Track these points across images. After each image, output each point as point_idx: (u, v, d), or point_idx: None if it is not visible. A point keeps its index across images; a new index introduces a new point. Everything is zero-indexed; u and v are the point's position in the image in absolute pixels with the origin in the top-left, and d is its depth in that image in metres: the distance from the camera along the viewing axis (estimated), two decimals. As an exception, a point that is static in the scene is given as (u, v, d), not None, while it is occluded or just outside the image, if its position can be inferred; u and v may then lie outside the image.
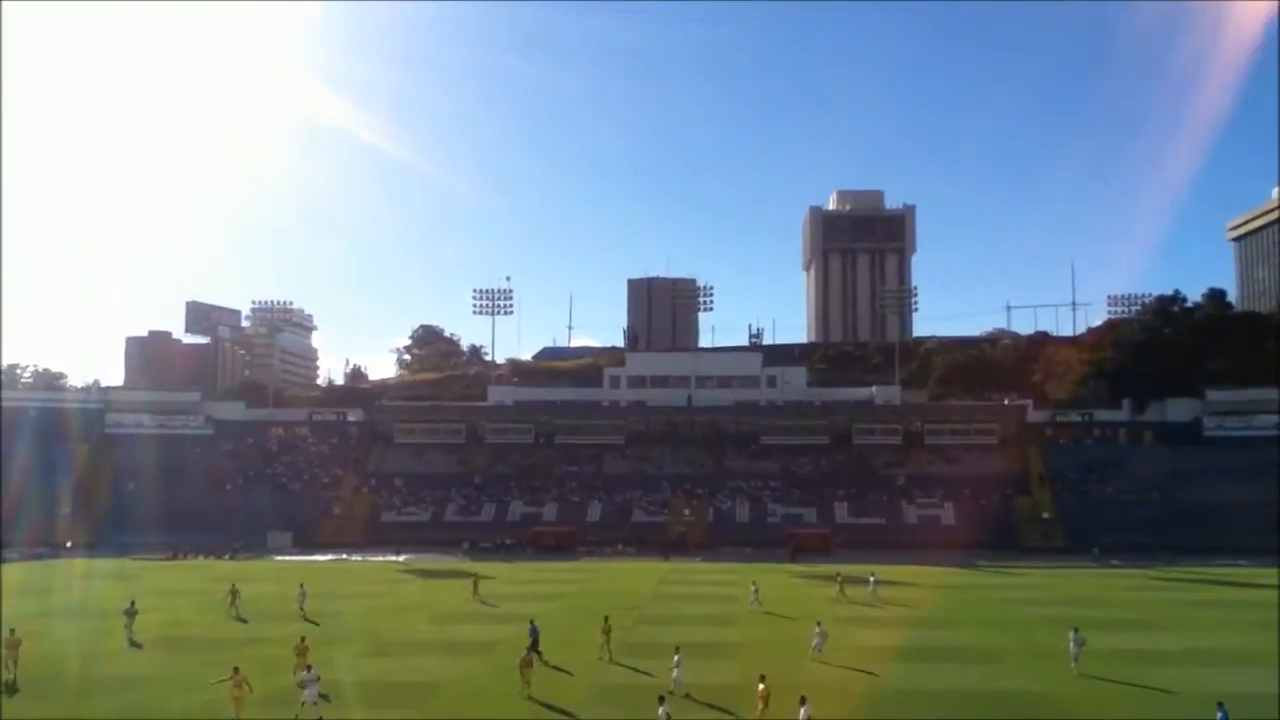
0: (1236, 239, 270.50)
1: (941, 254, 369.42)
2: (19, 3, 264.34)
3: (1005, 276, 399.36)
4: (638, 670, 38.24)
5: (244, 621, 50.11)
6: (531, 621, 41.58)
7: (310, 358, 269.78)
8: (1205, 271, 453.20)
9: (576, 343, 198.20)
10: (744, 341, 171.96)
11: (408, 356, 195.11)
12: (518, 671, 34.42)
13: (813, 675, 37.00)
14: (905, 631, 47.45)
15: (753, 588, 56.33)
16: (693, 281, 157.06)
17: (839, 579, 61.05)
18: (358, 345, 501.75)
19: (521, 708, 32.62)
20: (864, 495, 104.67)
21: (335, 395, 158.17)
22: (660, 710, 27.29)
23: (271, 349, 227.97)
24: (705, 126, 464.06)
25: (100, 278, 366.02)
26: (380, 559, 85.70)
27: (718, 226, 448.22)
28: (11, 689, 34.28)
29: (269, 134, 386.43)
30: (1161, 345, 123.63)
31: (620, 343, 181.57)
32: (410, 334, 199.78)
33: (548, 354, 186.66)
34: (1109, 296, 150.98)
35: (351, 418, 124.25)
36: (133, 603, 45.80)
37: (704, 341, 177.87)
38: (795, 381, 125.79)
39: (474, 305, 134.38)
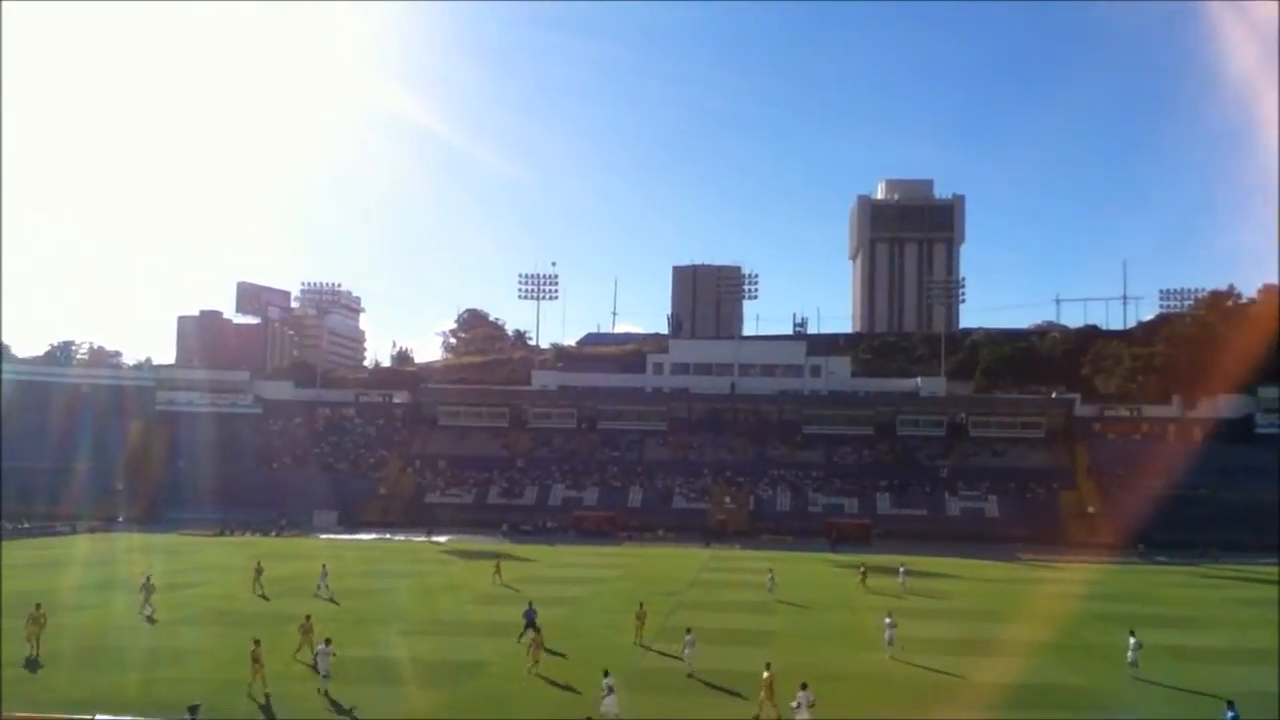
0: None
1: (990, 245, 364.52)
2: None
3: (1055, 269, 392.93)
4: (672, 655, 38.40)
5: (266, 599, 50.65)
6: (529, 604, 41.34)
7: (358, 339, 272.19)
8: (1260, 266, 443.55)
9: (620, 329, 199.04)
10: (788, 330, 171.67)
11: (453, 340, 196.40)
12: (531, 654, 35.12)
13: (849, 664, 37.15)
14: (947, 624, 47.29)
15: (769, 575, 56.51)
16: (737, 269, 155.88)
17: (863, 569, 61.11)
18: (404, 328, 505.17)
19: (554, 689, 32.98)
20: (907, 486, 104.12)
21: (382, 377, 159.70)
22: (604, 682, 28.14)
23: (320, 330, 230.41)
24: (753, 113, 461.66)
25: (154, 258, 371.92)
26: (421, 539, 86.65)
27: (764, 214, 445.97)
28: (34, 664, 34.58)
29: (320, 118, 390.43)
30: (1214, 340, 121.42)
31: (664, 329, 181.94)
32: (456, 318, 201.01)
33: (591, 339, 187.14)
34: (1161, 290, 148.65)
35: (397, 399, 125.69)
36: (149, 578, 46.17)
37: (748, 330, 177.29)
38: (839, 371, 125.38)
39: (519, 290, 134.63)
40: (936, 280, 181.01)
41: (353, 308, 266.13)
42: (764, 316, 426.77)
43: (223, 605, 48.81)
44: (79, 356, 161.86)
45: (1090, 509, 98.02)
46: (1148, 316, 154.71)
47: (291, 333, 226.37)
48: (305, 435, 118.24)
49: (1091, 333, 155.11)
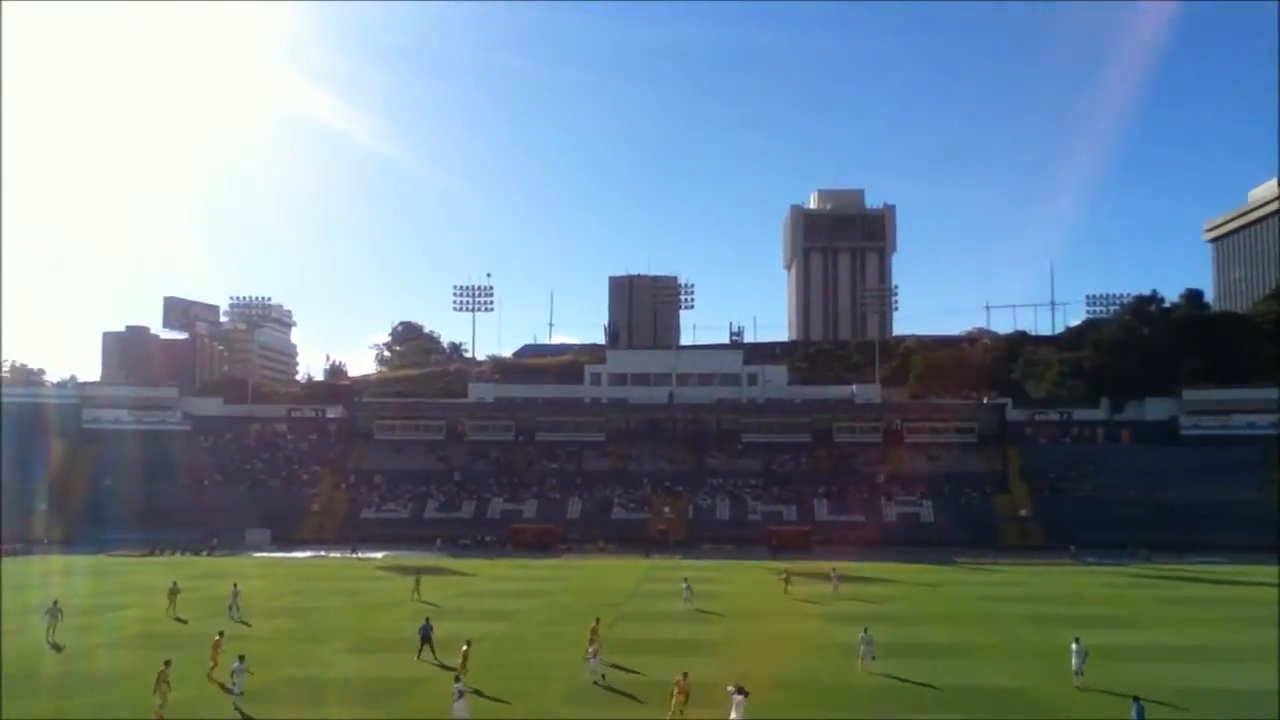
0: (1213, 240, 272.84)
1: (922, 253, 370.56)
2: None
3: (985, 276, 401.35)
4: (618, 667, 38.21)
5: (183, 621, 49.01)
6: (426, 620, 41.19)
7: (289, 354, 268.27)
8: (1183, 272, 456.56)
9: (557, 340, 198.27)
10: (725, 340, 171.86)
11: (387, 353, 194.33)
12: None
13: (789, 671, 37.13)
14: (883, 628, 47.47)
15: (684, 585, 56.37)
16: (674, 279, 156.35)
17: (785, 574, 61.48)
18: (337, 342, 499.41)
19: (496, 705, 32.55)
20: (844, 493, 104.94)
21: (314, 392, 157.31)
22: (455, 687, 29.00)
23: (250, 345, 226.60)
24: (687, 125, 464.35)
25: (78, 273, 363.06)
26: (356, 556, 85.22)
27: (699, 225, 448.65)
28: None
29: (249, 128, 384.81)
30: (1139, 345, 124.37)
31: (601, 340, 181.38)
32: (390, 331, 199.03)
33: (528, 351, 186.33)
34: (1087, 296, 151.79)
35: (331, 414, 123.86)
36: (55, 602, 44.54)
37: (685, 339, 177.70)
38: (776, 380, 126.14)
39: (454, 302, 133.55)
40: (869, 289, 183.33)
41: (284, 321, 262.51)
42: (701, 326, 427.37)
43: (149, 628, 47.44)
44: (1, 375, 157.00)
45: (1022, 512, 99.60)
46: (1075, 322, 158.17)
47: (220, 347, 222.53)
48: (236, 452, 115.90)
49: (1021, 338, 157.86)
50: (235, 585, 52.18)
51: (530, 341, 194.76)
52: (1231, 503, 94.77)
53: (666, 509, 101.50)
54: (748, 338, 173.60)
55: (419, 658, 39.11)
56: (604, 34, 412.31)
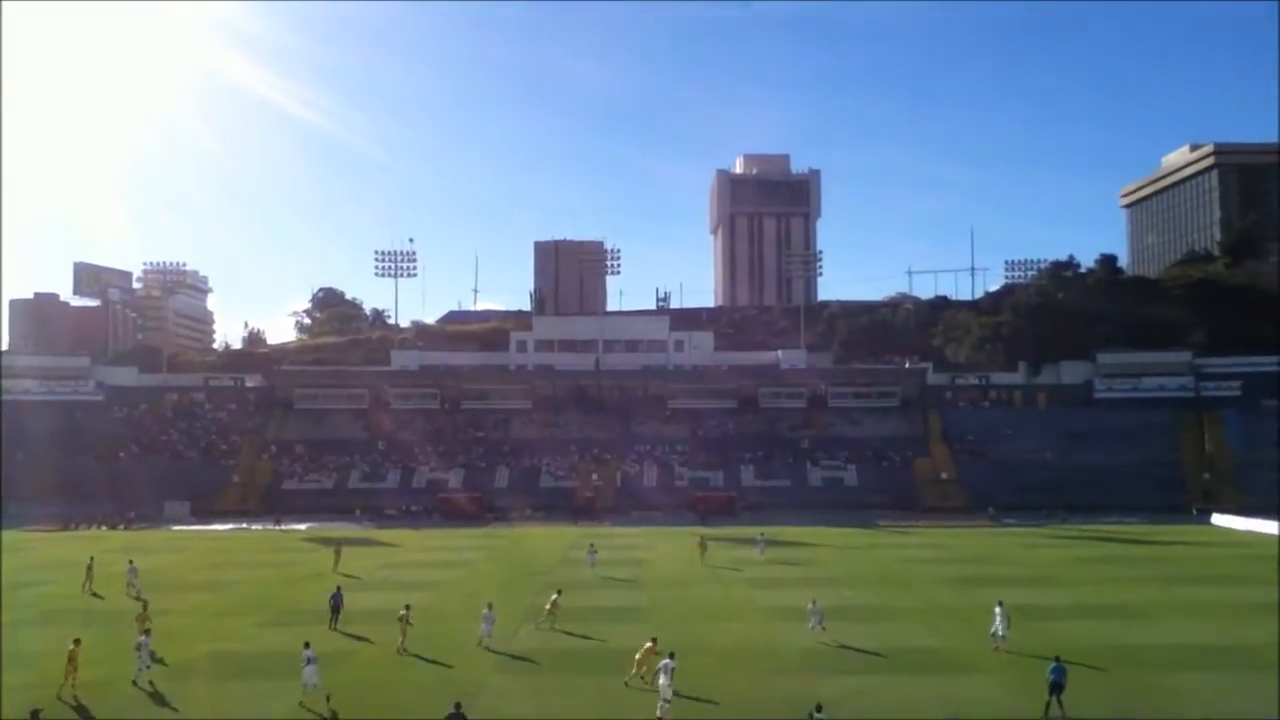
0: (1128, 206, 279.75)
1: (846, 219, 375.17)
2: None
3: (907, 242, 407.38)
4: (546, 635, 38.26)
5: (99, 597, 48.12)
6: (338, 589, 41.80)
7: (206, 321, 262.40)
8: (1098, 238, 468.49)
9: (482, 306, 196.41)
10: (651, 305, 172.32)
11: (308, 320, 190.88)
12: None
13: (715, 637, 37.44)
14: (809, 591, 48.09)
15: (589, 549, 57.19)
16: (600, 244, 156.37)
17: (701, 540, 62.10)
18: (255, 309, 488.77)
19: (423, 675, 32.31)
20: (770, 458, 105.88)
21: (232, 360, 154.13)
22: (305, 653, 29.57)
23: (165, 312, 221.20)
24: (612, 89, 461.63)
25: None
26: (280, 528, 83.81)
27: (626, 190, 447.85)
28: None
29: (164, 90, 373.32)
30: (1055, 309, 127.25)
31: (527, 306, 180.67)
32: (310, 297, 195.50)
33: (453, 318, 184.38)
34: (1006, 262, 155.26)
35: (250, 383, 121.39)
36: None
37: (612, 305, 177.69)
38: (702, 345, 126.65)
39: (376, 268, 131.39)
40: (795, 254, 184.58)
41: (199, 288, 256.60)
42: (627, 292, 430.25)
43: (64, 605, 46.13)
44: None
45: (943, 475, 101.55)
46: (994, 287, 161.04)
47: (134, 315, 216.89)
48: (152, 422, 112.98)
49: (942, 303, 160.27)
50: (130, 562, 50.82)
51: (455, 308, 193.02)
52: (1143, 464, 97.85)
53: (594, 476, 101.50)
54: (674, 303, 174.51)
55: (331, 628, 39.17)
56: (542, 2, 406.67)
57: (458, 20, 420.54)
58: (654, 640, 31.54)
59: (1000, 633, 35.31)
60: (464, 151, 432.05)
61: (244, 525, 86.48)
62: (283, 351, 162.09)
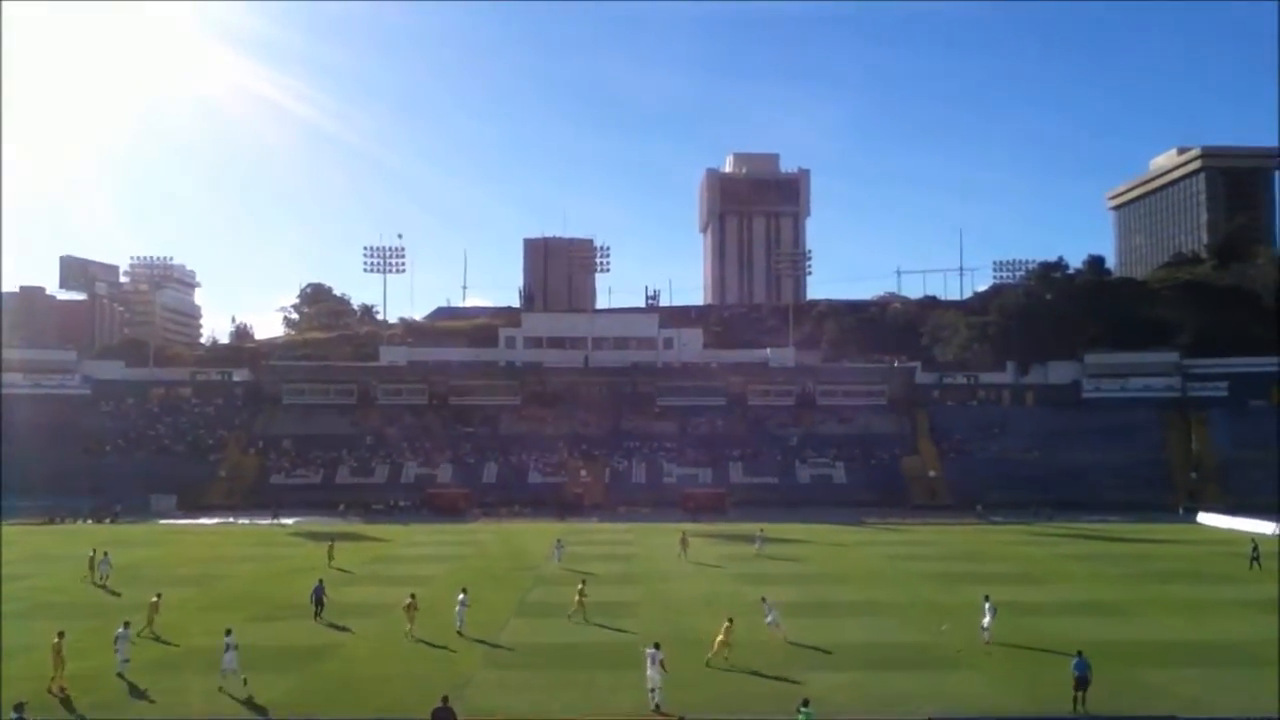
0: (1115, 208, 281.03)
1: (835, 219, 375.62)
2: None
3: (896, 242, 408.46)
4: (535, 629, 38.33)
5: (104, 588, 48.24)
6: (320, 581, 42.41)
7: (193, 315, 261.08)
8: (1086, 239, 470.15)
9: (471, 303, 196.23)
10: (641, 303, 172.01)
11: (295, 315, 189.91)
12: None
13: (707, 631, 37.38)
14: (796, 588, 48.29)
15: (556, 544, 58.05)
16: (590, 242, 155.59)
17: (683, 536, 62.17)
18: (243, 303, 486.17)
19: (413, 668, 32.31)
20: (758, 455, 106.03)
21: (219, 355, 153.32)
22: (226, 640, 29.98)
23: (152, 306, 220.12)
24: (602, 87, 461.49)
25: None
26: (267, 522, 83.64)
27: (615, 188, 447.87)
28: None
29: (152, 84, 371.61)
30: (1043, 310, 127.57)
31: (516, 303, 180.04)
32: (298, 292, 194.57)
33: (441, 314, 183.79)
34: (995, 262, 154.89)
35: (237, 378, 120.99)
36: None
37: (601, 303, 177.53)
38: (692, 343, 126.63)
39: (365, 263, 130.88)
40: (784, 253, 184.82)
41: (187, 282, 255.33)
42: (617, 289, 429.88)
43: (55, 598, 45.96)
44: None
45: (931, 473, 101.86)
46: (983, 287, 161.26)
47: (121, 309, 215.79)
48: (139, 417, 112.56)
49: (930, 303, 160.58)
50: (104, 553, 50.81)
51: (443, 304, 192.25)
52: (1128, 464, 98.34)
53: (583, 472, 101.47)
54: (663, 301, 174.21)
55: (315, 620, 39.75)
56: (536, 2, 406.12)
57: (449, 17, 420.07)
58: (731, 620, 33.30)
59: (987, 625, 35.72)
60: (453, 148, 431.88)
61: (230, 519, 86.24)
62: (270, 346, 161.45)
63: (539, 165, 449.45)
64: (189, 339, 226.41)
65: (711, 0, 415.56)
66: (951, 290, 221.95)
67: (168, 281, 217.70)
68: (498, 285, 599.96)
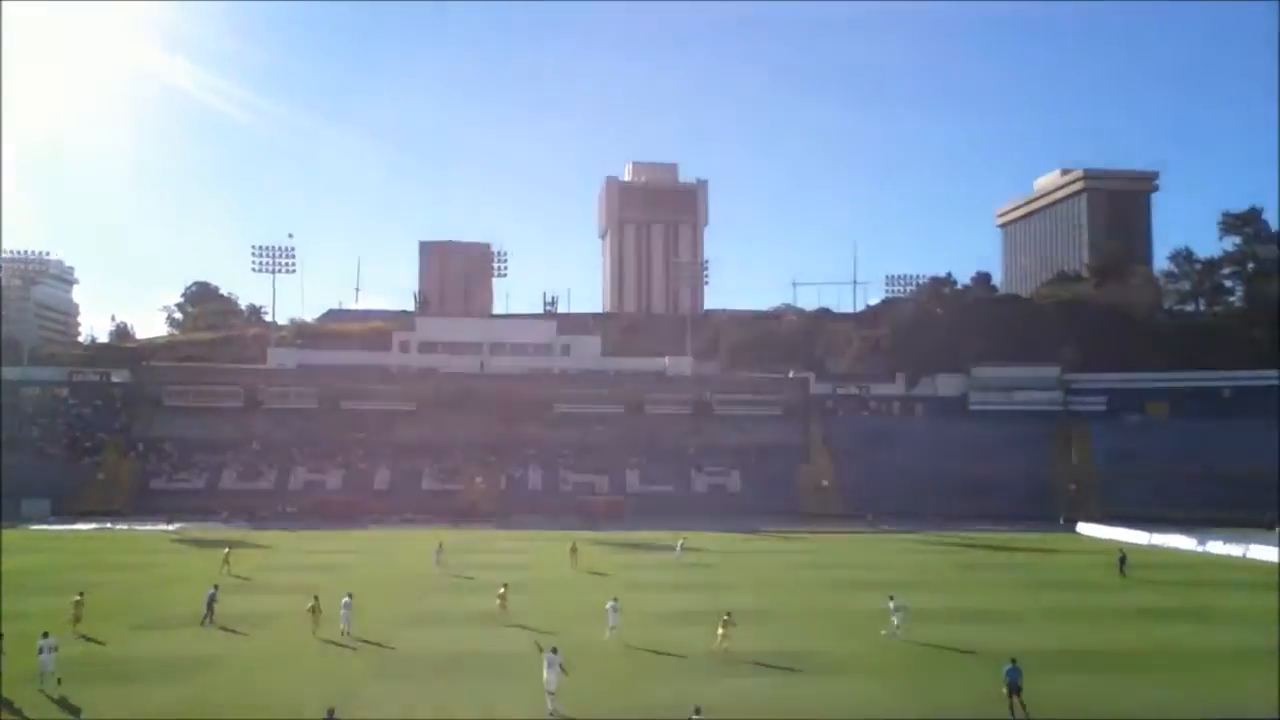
0: (1003, 225, 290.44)
1: (734, 230, 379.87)
2: None
3: (793, 254, 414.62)
4: (426, 639, 37.50)
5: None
6: (214, 586, 42.07)
7: (70, 313, 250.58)
8: (975, 255, 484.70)
9: (364, 305, 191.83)
10: (539, 309, 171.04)
11: (180, 315, 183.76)
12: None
13: (595, 640, 37.03)
14: (692, 596, 48.29)
15: (436, 547, 57.69)
16: (487, 246, 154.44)
17: (573, 545, 62.00)
18: (124, 301, 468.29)
19: (302, 678, 31.23)
20: (655, 464, 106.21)
21: (98, 354, 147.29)
22: (42, 642, 29.23)
23: (26, 303, 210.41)
24: (505, 92, 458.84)
25: None
26: (148, 528, 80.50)
27: (515, 193, 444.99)
28: None
29: (26, 68, 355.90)
30: (933, 324, 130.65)
31: (411, 307, 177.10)
32: (183, 291, 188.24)
33: (334, 316, 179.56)
34: (887, 276, 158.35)
35: (116, 378, 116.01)
36: None
37: (498, 308, 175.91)
38: (589, 350, 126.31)
39: (253, 263, 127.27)
40: (682, 262, 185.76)
41: (65, 279, 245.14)
42: (514, 295, 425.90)
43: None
44: None
45: (824, 482, 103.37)
46: (875, 300, 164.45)
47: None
48: (10, 417, 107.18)
49: (825, 315, 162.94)
50: None
51: (336, 306, 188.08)
52: (1013, 474, 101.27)
53: (478, 479, 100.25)
54: (562, 308, 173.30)
55: (204, 625, 39.04)
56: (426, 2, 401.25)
57: (345, 14, 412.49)
58: (729, 614, 35.76)
59: (896, 624, 37.84)
60: (349, 147, 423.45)
61: (109, 525, 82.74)
62: (152, 347, 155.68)
63: (437, 168, 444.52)
64: (66, 338, 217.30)
65: (609, 8, 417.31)
66: (845, 303, 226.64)
67: (43, 277, 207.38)
68: (392, 289, 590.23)
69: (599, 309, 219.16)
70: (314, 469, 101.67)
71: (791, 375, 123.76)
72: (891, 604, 38.41)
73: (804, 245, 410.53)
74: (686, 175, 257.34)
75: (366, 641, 36.96)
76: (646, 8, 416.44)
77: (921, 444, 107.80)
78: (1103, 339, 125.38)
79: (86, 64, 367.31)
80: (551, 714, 27.39)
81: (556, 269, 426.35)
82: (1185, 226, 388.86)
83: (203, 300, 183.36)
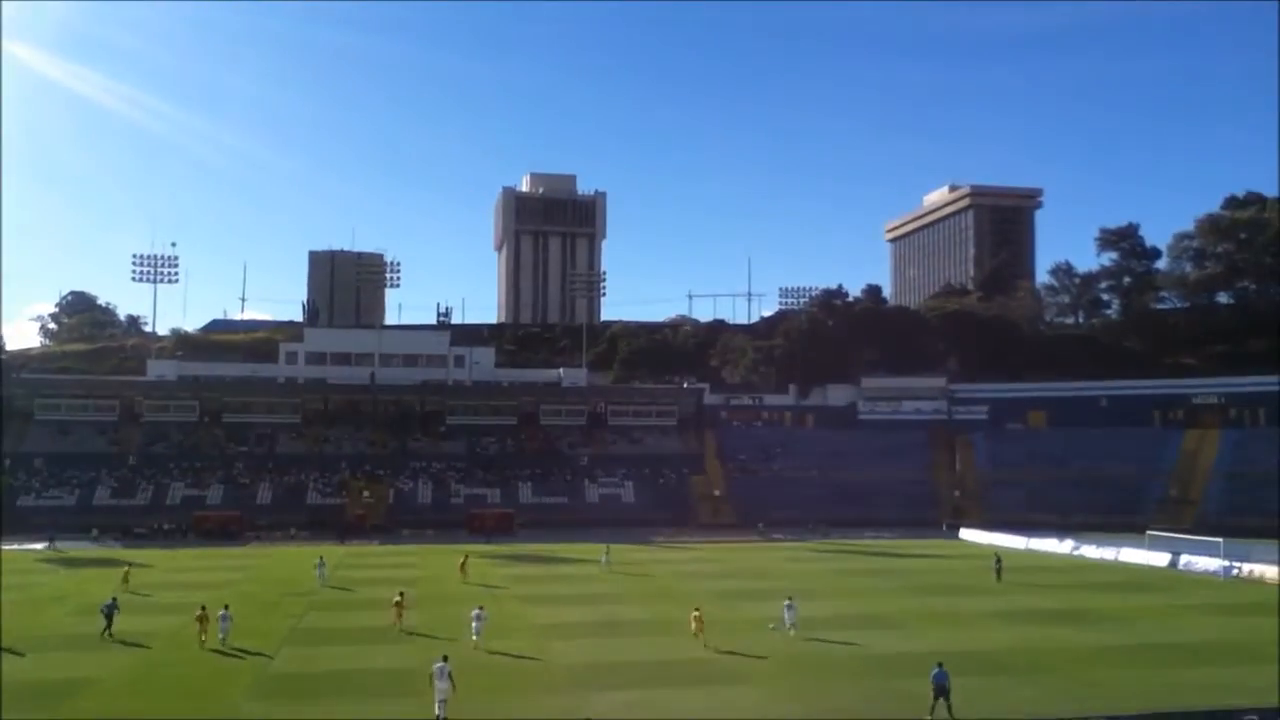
0: (892, 240, 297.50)
1: (630, 242, 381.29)
2: None
3: (688, 266, 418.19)
4: (308, 657, 36.38)
5: None
6: (113, 597, 42.03)
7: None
8: (865, 269, 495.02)
9: (250, 316, 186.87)
10: (432, 320, 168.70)
11: (53, 325, 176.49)
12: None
13: (487, 653, 36.47)
14: (581, 608, 47.95)
15: (318, 564, 57.69)
16: (379, 256, 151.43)
17: (465, 557, 61.89)
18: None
19: (178, 700, 29.97)
20: (548, 475, 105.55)
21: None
22: None
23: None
24: (396, 99, 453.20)
25: None
26: (13, 548, 76.63)
27: (408, 202, 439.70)
28: None
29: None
30: (824, 335, 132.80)
31: (299, 317, 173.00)
32: (57, 300, 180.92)
33: (217, 326, 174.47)
34: (780, 288, 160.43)
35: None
36: None
37: (390, 319, 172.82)
38: (483, 362, 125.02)
39: (133, 272, 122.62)
40: (579, 273, 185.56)
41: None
42: (407, 306, 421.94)
43: None
44: None
45: (716, 492, 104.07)
46: (769, 312, 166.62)
47: None
48: None
49: (719, 326, 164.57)
50: None
51: (220, 317, 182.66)
52: (900, 482, 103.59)
53: (365, 493, 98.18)
54: (456, 319, 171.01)
55: (103, 637, 39.07)
56: (320, 4, 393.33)
57: (236, 12, 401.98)
58: (698, 609, 40.10)
59: (789, 624, 40.13)
60: (235, 152, 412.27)
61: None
62: (23, 358, 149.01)
63: (326, 176, 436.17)
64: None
65: (506, 21, 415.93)
66: (740, 314, 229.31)
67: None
68: (280, 299, 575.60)
69: (494, 320, 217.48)
70: (193, 484, 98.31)
71: (686, 386, 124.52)
72: (785, 604, 40.81)
73: (700, 258, 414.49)
74: (585, 187, 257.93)
75: (245, 652, 36.43)
76: (543, 14, 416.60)
77: (812, 453, 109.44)
78: (987, 350, 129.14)
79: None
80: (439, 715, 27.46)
81: (451, 280, 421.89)
82: (1066, 242, 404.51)
83: (79, 310, 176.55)
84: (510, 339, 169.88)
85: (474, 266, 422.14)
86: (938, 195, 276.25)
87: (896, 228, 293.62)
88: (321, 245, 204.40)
